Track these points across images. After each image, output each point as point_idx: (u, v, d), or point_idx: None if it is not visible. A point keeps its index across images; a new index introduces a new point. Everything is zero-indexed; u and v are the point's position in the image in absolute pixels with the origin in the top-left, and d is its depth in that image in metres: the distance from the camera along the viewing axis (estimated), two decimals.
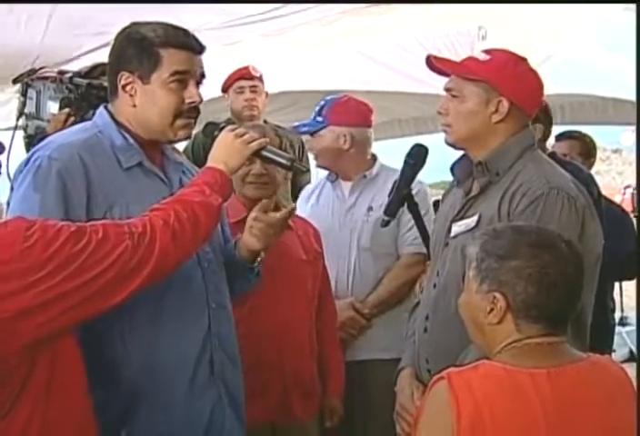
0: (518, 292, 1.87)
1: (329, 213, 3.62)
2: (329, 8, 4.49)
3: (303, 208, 3.68)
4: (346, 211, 3.59)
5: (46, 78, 2.76)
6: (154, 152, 2.31)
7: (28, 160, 2.19)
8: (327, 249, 3.42)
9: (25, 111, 2.76)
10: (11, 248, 1.75)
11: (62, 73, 2.77)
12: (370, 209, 3.49)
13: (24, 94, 2.76)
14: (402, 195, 2.85)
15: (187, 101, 2.23)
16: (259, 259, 2.45)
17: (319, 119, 3.58)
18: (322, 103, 3.62)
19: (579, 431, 1.83)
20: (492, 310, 1.90)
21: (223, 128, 2.31)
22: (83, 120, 2.66)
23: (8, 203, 2.30)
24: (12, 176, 2.27)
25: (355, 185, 3.61)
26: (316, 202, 3.71)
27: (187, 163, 2.51)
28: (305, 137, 4.35)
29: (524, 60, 2.42)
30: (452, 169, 2.54)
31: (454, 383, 1.81)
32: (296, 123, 3.66)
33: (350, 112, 3.61)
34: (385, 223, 2.92)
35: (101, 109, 2.33)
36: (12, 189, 2.25)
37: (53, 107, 2.74)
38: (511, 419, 1.79)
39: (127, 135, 2.26)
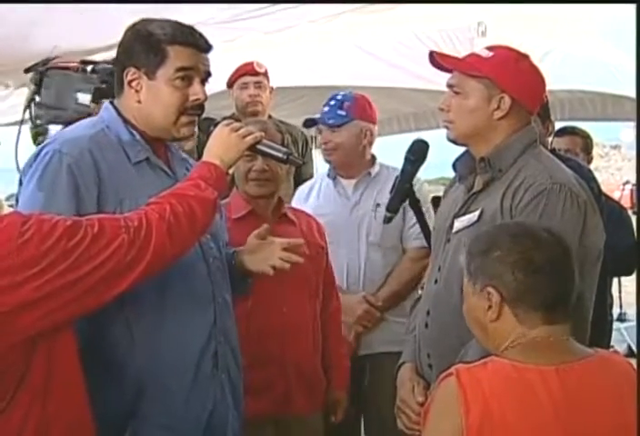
0: (508, 281, 1.89)
1: (333, 209, 3.63)
2: (329, 5, 4.48)
3: (302, 207, 3.65)
4: (352, 208, 3.62)
5: (67, 68, 2.73)
6: (159, 147, 2.32)
7: (38, 154, 2.20)
8: (334, 245, 3.46)
9: (41, 101, 2.73)
10: (7, 243, 1.76)
11: (85, 63, 2.75)
12: (378, 206, 3.50)
13: (37, 83, 2.73)
14: (403, 191, 2.86)
15: (192, 98, 2.24)
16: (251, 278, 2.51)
17: (341, 113, 3.57)
18: (338, 97, 3.61)
19: (589, 427, 1.83)
20: (490, 307, 1.92)
21: (218, 123, 2.31)
22: None
23: (17, 199, 2.29)
24: (21, 170, 2.26)
25: (359, 182, 3.64)
26: (317, 199, 3.72)
27: (192, 160, 2.51)
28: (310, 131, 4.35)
29: (526, 57, 2.43)
30: (454, 165, 2.55)
31: (463, 380, 1.82)
32: (317, 116, 3.63)
33: (370, 108, 3.66)
34: (388, 220, 2.94)
35: (107, 104, 2.34)
36: (20, 183, 2.25)
37: (82, 98, 2.71)
38: (520, 415, 1.80)
39: (134, 131, 2.27)
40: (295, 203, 3.69)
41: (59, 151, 2.16)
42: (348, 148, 3.60)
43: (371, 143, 3.67)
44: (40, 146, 2.23)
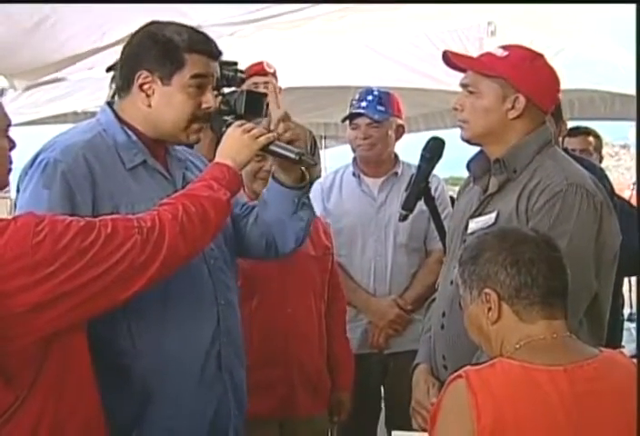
0: (502, 279, 1.90)
1: (358, 208, 3.65)
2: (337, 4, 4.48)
3: (321, 203, 3.68)
4: (378, 208, 3.64)
5: None
6: (158, 149, 2.30)
7: (33, 161, 2.19)
8: (359, 246, 3.55)
9: None
10: (21, 243, 1.76)
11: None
12: None
13: None
14: (419, 189, 2.85)
15: (204, 106, 2.23)
16: (306, 180, 2.39)
17: (381, 108, 3.59)
18: (375, 92, 3.63)
19: (599, 427, 1.83)
20: (490, 309, 1.92)
21: (230, 124, 2.30)
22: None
23: (15, 205, 2.28)
24: (18, 177, 2.23)
25: (385, 182, 3.67)
26: (340, 198, 3.72)
27: (195, 156, 2.49)
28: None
29: (540, 56, 2.41)
30: (468, 165, 2.53)
31: (472, 382, 1.81)
32: (361, 111, 3.62)
33: (400, 105, 3.69)
34: (403, 218, 2.94)
35: (104, 106, 2.32)
36: (18, 190, 2.23)
37: None
38: (532, 416, 1.79)
39: (131, 133, 2.25)
40: (314, 199, 3.69)
41: (54, 158, 2.15)
42: (386, 144, 3.64)
43: (397, 140, 3.71)
44: (35, 153, 2.21)
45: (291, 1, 4.26)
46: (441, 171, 3.57)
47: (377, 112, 3.59)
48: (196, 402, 2.23)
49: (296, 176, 2.36)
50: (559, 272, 1.94)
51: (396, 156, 3.73)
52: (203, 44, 2.23)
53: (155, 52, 2.20)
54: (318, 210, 3.60)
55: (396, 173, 3.67)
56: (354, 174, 3.72)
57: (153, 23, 2.27)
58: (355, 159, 3.75)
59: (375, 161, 3.68)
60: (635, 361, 2.00)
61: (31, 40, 3.95)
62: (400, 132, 3.69)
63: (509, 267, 1.90)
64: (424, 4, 4.62)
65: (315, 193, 3.73)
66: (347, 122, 3.71)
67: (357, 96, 3.66)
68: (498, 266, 1.90)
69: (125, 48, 2.28)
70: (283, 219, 2.38)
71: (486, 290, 1.91)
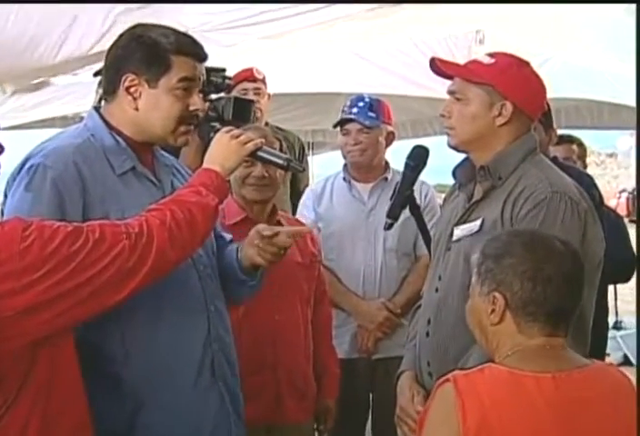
0: (515, 289, 1.89)
1: (348, 214, 3.68)
2: (327, 11, 4.48)
3: (312, 209, 3.72)
4: (368, 213, 3.67)
5: None
6: (145, 154, 2.29)
7: (21, 167, 2.16)
8: (349, 250, 3.58)
9: None
10: (8, 248, 1.75)
11: None
12: None
13: None
14: (404, 197, 2.86)
15: (191, 108, 2.23)
16: (261, 268, 2.41)
17: (372, 115, 3.63)
18: (366, 99, 3.67)
19: (584, 433, 1.83)
20: (493, 310, 1.92)
21: (218, 130, 2.30)
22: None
23: (2, 212, 2.25)
24: (6, 183, 2.21)
25: (375, 187, 3.70)
26: (330, 203, 3.75)
27: (179, 163, 2.49)
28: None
29: (527, 64, 2.42)
30: (454, 172, 2.54)
31: (460, 386, 1.81)
32: (352, 117, 3.66)
33: (391, 112, 3.72)
34: (389, 226, 2.96)
35: (91, 111, 2.30)
36: (5, 196, 2.21)
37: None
38: (518, 422, 1.80)
39: (119, 138, 2.23)
40: (302, 206, 3.74)
41: (43, 164, 2.12)
42: (376, 150, 3.67)
43: (387, 147, 3.74)
44: (24, 158, 2.19)
45: (286, 1, 4.27)
46: (428, 178, 3.61)
47: (368, 118, 3.62)
48: (193, 412, 2.22)
49: (251, 263, 2.35)
50: (575, 292, 1.93)
51: (387, 163, 3.76)
52: (190, 47, 2.23)
53: (141, 54, 2.19)
54: (310, 216, 3.62)
55: (386, 179, 3.70)
56: (344, 180, 3.75)
57: (138, 25, 2.26)
58: (345, 165, 3.78)
59: (366, 167, 3.71)
60: (624, 371, 2.01)
61: (23, 45, 3.95)
62: (390, 138, 3.72)
63: (526, 281, 1.89)
64: (416, 4, 4.63)
65: (306, 199, 3.79)
66: (338, 128, 3.74)
67: (349, 103, 3.70)
68: (516, 276, 1.89)
69: (109, 51, 2.27)
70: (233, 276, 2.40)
71: (496, 293, 1.91)
